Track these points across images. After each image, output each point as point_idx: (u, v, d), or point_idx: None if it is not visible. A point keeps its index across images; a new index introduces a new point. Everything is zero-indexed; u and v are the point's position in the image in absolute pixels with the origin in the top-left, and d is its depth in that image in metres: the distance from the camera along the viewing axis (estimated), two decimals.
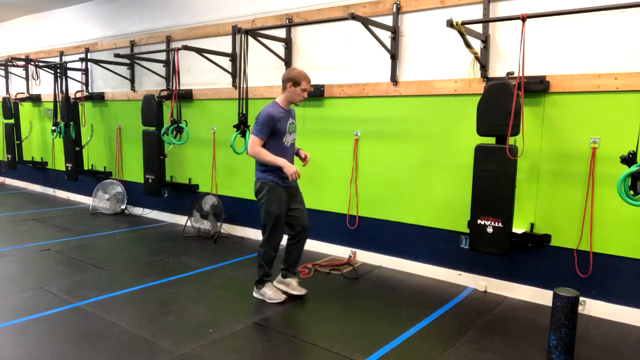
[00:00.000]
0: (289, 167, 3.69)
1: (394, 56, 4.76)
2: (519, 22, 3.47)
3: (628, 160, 3.08)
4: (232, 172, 6.26)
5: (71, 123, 7.41)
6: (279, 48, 5.55)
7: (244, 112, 5.21)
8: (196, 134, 6.34)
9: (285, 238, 4.05)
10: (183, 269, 4.82)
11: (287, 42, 5.53)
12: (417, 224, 4.80)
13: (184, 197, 6.75)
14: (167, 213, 7.10)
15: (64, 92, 7.42)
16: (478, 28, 4.18)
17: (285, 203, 3.87)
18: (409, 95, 4.74)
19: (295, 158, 4.02)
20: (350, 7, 4.92)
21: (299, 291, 4.05)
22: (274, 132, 3.75)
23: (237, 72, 5.82)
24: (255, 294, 4.02)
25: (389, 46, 4.73)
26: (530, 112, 4.04)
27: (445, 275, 4.63)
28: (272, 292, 3.94)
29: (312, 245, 5.49)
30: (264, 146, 3.76)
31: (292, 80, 3.76)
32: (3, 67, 9.28)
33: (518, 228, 4.11)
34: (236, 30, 5.81)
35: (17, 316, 3.58)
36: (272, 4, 5.66)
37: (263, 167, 3.81)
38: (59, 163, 8.51)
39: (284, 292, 4.00)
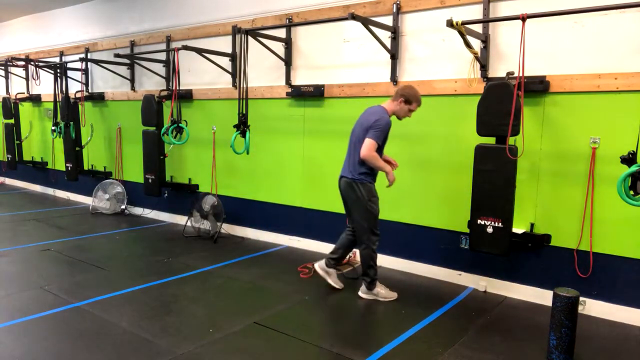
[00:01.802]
0: (392, 175, 3.91)
1: (394, 56, 4.76)
2: (519, 22, 3.47)
3: (628, 160, 3.08)
4: (232, 172, 6.26)
5: (71, 123, 7.41)
6: (279, 48, 5.55)
7: (244, 112, 5.20)
8: (196, 134, 6.33)
9: (345, 232, 4.24)
10: (183, 269, 4.82)
11: (287, 42, 5.53)
12: (417, 224, 4.80)
13: (184, 197, 6.75)
14: (167, 213, 7.10)
15: (64, 92, 7.42)
16: (478, 28, 4.18)
17: None
18: None
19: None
20: (350, 7, 4.92)
21: (337, 284, 4.26)
22: (385, 139, 3.89)
23: (237, 72, 5.82)
24: (365, 295, 4.07)
25: (389, 46, 4.73)
26: (530, 112, 4.04)
27: (446, 275, 4.63)
28: (385, 292, 4.07)
29: (312, 245, 5.50)
30: None
31: (406, 97, 3.87)
32: (3, 67, 9.28)
33: (518, 228, 4.11)
34: (236, 30, 5.81)
35: (17, 316, 3.58)
36: (272, 4, 5.66)
37: (363, 168, 3.90)
38: (59, 163, 8.51)
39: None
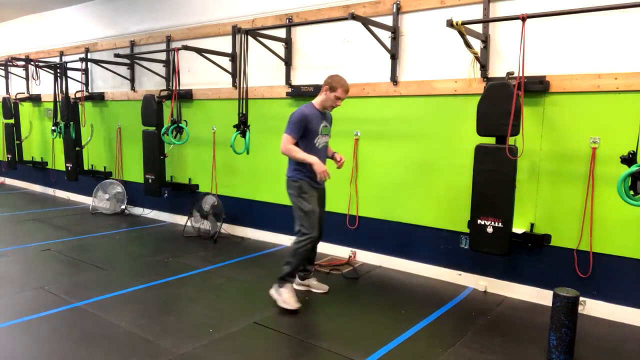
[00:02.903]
0: (319, 166, 3.69)
1: (394, 56, 4.76)
2: (519, 22, 3.47)
3: (628, 160, 3.08)
4: (232, 172, 6.26)
5: (71, 123, 7.41)
6: (279, 48, 5.55)
7: (244, 112, 5.20)
8: (196, 134, 6.34)
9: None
10: (183, 269, 4.82)
11: (287, 42, 5.53)
12: (417, 224, 4.80)
13: (184, 197, 6.75)
14: (167, 213, 7.10)
15: (64, 92, 7.42)
16: (478, 28, 4.18)
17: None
18: (409, 95, 4.74)
19: (329, 161, 4.04)
20: (350, 7, 4.92)
21: (322, 288, 4.19)
22: (306, 132, 3.78)
23: (237, 72, 5.82)
24: (272, 291, 3.91)
25: (389, 46, 4.73)
26: (530, 112, 4.04)
27: (445, 275, 4.63)
28: (288, 296, 3.79)
29: None
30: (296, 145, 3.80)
31: (329, 85, 3.78)
32: (3, 67, 9.28)
33: (518, 228, 4.11)
34: (236, 30, 5.81)
35: (17, 316, 3.58)
36: (272, 4, 5.66)
37: (295, 165, 3.85)
38: (59, 163, 8.51)
39: (307, 291, 4.13)
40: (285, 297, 3.79)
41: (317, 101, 3.88)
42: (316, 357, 3.14)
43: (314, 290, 4.19)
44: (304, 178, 3.82)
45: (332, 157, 4.03)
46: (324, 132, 3.93)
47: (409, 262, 4.88)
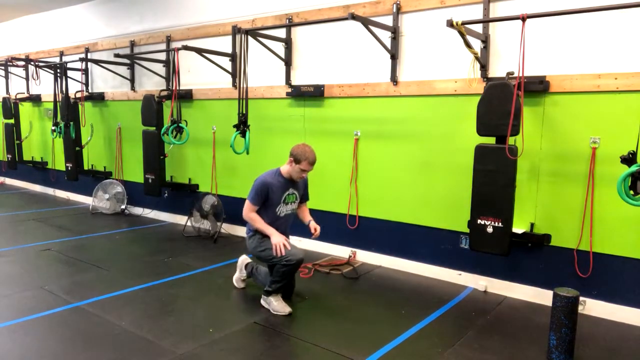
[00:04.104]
0: (276, 238, 3.66)
1: (394, 56, 4.76)
2: (519, 22, 3.47)
3: (628, 160, 3.08)
4: (232, 172, 6.26)
5: (71, 123, 7.41)
6: (279, 48, 5.55)
7: (244, 112, 5.20)
8: (196, 134, 6.34)
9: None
10: (183, 269, 4.82)
11: (287, 42, 5.53)
12: (417, 224, 4.80)
13: (184, 197, 6.75)
14: (167, 213, 7.10)
15: (64, 92, 7.42)
16: (478, 28, 4.18)
17: None
18: (409, 95, 4.74)
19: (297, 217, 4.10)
20: (350, 7, 4.92)
21: (239, 284, 4.27)
22: (267, 201, 3.78)
23: (237, 72, 5.82)
24: (262, 302, 3.87)
25: (389, 46, 4.73)
26: (530, 112, 4.04)
27: (445, 275, 4.64)
28: (277, 304, 3.77)
29: (312, 245, 5.49)
30: (259, 211, 3.80)
31: (294, 157, 3.72)
32: (3, 67, 9.28)
33: (518, 228, 4.11)
34: (236, 30, 5.81)
35: (17, 316, 3.58)
36: (272, 4, 5.66)
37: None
38: (59, 163, 8.51)
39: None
40: (274, 305, 3.77)
41: (284, 169, 3.83)
42: (316, 357, 3.14)
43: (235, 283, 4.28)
44: (259, 233, 3.82)
45: (308, 225, 3.97)
46: (288, 200, 3.89)
47: (409, 262, 4.88)
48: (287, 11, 5.51)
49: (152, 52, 6.59)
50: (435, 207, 4.66)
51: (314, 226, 3.94)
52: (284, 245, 3.64)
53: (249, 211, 3.79)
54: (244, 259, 4.27)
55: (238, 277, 4.27)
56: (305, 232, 5.61)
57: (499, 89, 3.78)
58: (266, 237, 3.76)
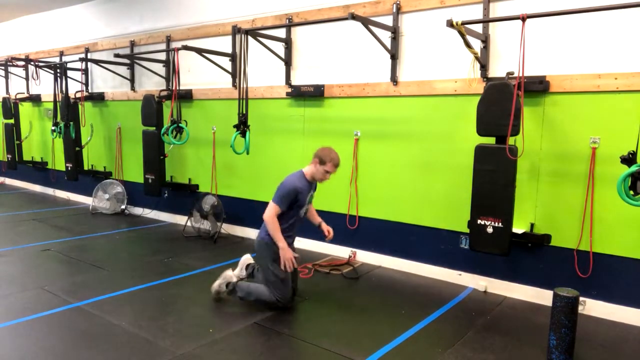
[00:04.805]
0: (287, 254, 3.64)
1: (394, 56, 4.76)
2: (519, 22, 3.47)
3: (628, 160, 3.08)
4: (232, 172, 6.26)
5: (71, 123, 7.41)
6: (279, 48, 5.55)
7: (244, 112, 5.20)
8: (196, 134, 6.34)
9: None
10: (183, 269, 4.82)
11: (287, 42, 5.53)
12: (417, 224, 4.80)
13: (184, 197, 6.75)
14: (167, 213, 7.10)
15: (64, 92, 7.42)
16: (478, 28, 4.18)
17: None
18: (409, 95, 4.74)
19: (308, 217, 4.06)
20: (350, 7, 4.92)
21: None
22: (294, 204, 3.74)
23: (237, 72, 5.82)
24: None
25: (389, 46, 4.73)
26: (530, 112, 4.04)
27: (445, 275, 4.63)
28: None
29: (312, 245, 5.49)
30: (282, 213, 3.70)
31: (319, 158, 3.72)
32: (3, 67, 9.28)
33: (518, 228, 4.11)
34: (236, 30, 5.81)
35: (17, 316, 3.57)
36: (272, 4, 5.66)
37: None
38: (59, 163, 8.51)
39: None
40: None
41: (307, 171, 3.82)
42: (316, 357, 3.14)
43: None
44: (274, 245, 3.74)
45: (319, 227, 3.99)
46: (309, 201, 3.92)
47: (409, 262, 4.88)
48: (287, 11, 5.51)
49: (152, 52, 6.59)
50: (435, 207, 4.66)
51: (326, 228, 3.94)
52: (291, 264, 3.64)
53: (273, 214, 3.68)
54: (247, 258, 4.20)
55: (237, 275, 4.16)
56: (303, 232, 5.63)
57: (499, 89, 3.78)
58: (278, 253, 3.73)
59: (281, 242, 3.66)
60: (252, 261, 4.16)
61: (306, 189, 3.79)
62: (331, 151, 3.76)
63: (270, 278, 3.74)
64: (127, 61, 7.13)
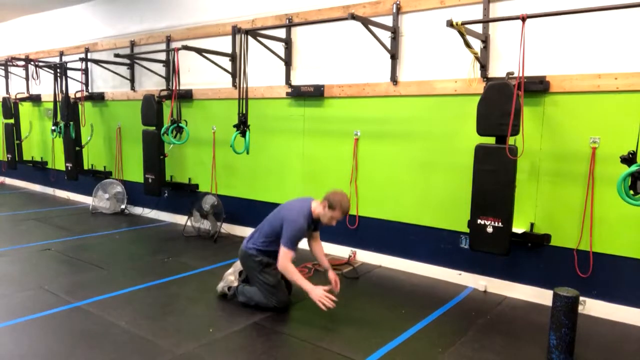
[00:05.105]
0: (317, 293, 3.44)
1: (394, 56, 4.76)
2: (519, 22, 3.47)
3: (628, 160, 3.08)
4: (232, 172, 6.26)
5: (71, 123, 7.41)
6: (279, 48, 5.55)
7: (244, 112, 5.20)
8: (196, 134, 6.34)
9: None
10: (183, 269, 4.82)
11: (287, 42, 5.53)
12: (417, 224, 4.80)
13: (184, 196, 6.75)
14: (167, 213, 7.10)
15: (64, 92, 7.42)
16: (478, 28, 4.18)
17: None
18: (409, 95, 4.74)
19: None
20: (350, 7, 4.92)
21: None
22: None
23: (237, 72, 5.82)
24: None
25: (389, 46, 4.73)
26: (530, 112, 4.04)
27: (445, 275, 4.64)
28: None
29: None
30: (274, 240, 3.66)
31: (329, 202, 3.58)
32: (3, 67, 9.27)
33: (518, 228, 4.11)
34: (236, 30, 5.81)
35: (17, 316, 3.58)
36: (272, 4, 5.66)
37: (261, 245, 3.75)
38: (59, 163, 8.51)
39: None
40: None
41: (315, 209, 3.69)
42: (316, 357, 3.14)
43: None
44: (265, 257, 3.75)
45: (327, 273, 3.85)
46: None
47: (409, 261, 4.88)
48: (287, 11, 5.51)
49: (152, 52, 6.59)
50: (435, 207, 4.66)
51: (334, 278, 3.78)
52: (324, 297, 3.43)
53: (287, 260, 3.53)
54: (239, 265, 4.11)
55: (234, 273, 4.13)
56: None
57: (499, 89, 3.78)
58: (270, 265, 3.73)
59: (307, 286, 3.50)
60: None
61: (309, 226, 3.71)
62: (343, 198, 3.62)
63: (262, 287, 3.75)
64: (127, 61, 7.13)
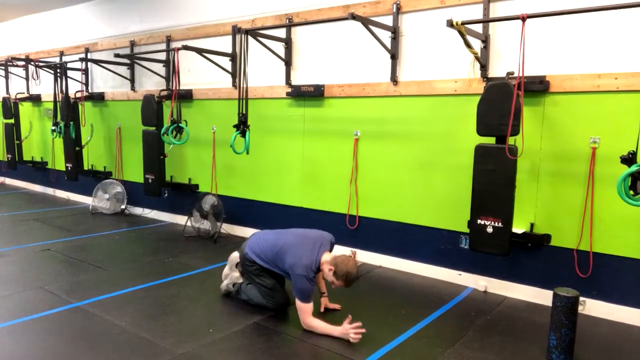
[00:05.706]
0: (346, 332, 3.29)
1: (394, 56, 4.76)
2: (519, 22, 3.47)
3: (628, 160, 3.08)
4: (232, 172, 6.26)
5: (71, 123, 7.40)
6: (279, 48, 5.55)
7: (244, 112, 5.20)
8: (196, 134, 6.34)
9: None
10: (183, 269, 4.82)
11: (287, 42, 5.53)
12: (417, 224, 4.80)
13: (184, 197, 6.75)
14: (167, 213, 7.10)
15: (64, 92, 7.42)
16: (478, 28, 4.18)
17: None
18: (409, 95, 4.74)
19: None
20: (350, 7, 4.92)
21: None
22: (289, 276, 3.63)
23: (237, 72, 5.82)
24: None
25: (389, 46, 4.73)
26: (530, 112, 4.04)
27: (445, 275, 4.64)
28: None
29: None
30: (261, 259, 3.71)
31: (336, 270, 3.38)
32: (3, 67, 9.26)
33: (518, 228, 4.11)
34: (236, 30, 5.81)
35: (17, 316, 3.58)
36: (272, 4, 5.66)
37: (259, 254, 3.73)
38: (59, 163, 8.51)
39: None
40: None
41: (323, 264, 3.47)
42: (316, 357, 3.14)
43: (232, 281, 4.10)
44: (262, 265, 3.73)
45: (320, 297, 3.83)
46: None
47: (409, 262, 4.88)
48: (287, 11, 5.51)
49: (152, 52, 6.59)
50: (435, 207, 4.66)
51: (325, 302, 3.84)
52: (352, 331, 3.28)
53: (308, 316, 3.39)
54: (235, 257, 4.10)
55: (230, 268, 4.15)
56: None
57: (499, 89, 3.77)
58: (267, 272, 3.73)
59: (335, 332, 3.33)
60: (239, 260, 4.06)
61: (315, 276, 3.58)
62: (351, 270, 3.38)
63: (260, 288, 3.77)
64: (127, 61, 7.13)
